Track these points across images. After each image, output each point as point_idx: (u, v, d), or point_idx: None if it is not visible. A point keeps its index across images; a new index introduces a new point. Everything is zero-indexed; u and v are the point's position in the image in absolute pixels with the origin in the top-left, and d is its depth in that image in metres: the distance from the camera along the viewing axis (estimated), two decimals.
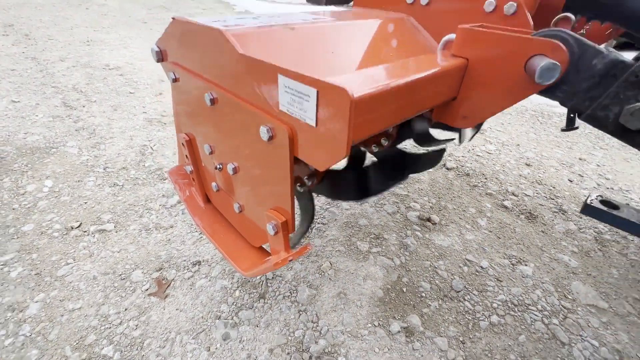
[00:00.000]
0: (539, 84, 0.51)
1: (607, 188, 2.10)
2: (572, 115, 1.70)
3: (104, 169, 1.98)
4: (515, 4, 0.69)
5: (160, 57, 0.81)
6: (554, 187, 2.07)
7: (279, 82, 0.49)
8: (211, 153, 0.79)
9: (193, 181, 0.95)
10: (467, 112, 0.64)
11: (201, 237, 1.53)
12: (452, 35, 0.64)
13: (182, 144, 0.87)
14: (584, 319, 1.28)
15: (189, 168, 0.91)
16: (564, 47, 0.52)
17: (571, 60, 0.53)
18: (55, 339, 1.12)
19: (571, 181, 2.15)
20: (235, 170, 0.72)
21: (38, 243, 1.48)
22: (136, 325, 1.17)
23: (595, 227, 1.75)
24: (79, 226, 1.57)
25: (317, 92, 0.45)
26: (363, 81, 0.48)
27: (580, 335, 1.22)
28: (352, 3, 1.02)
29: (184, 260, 1.41)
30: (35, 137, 2.26)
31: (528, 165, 2.30)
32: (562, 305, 1.33)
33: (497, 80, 0.58)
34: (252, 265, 0.75)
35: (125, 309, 1.22)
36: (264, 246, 0.85)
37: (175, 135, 0.96)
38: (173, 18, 0.70)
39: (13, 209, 1.66)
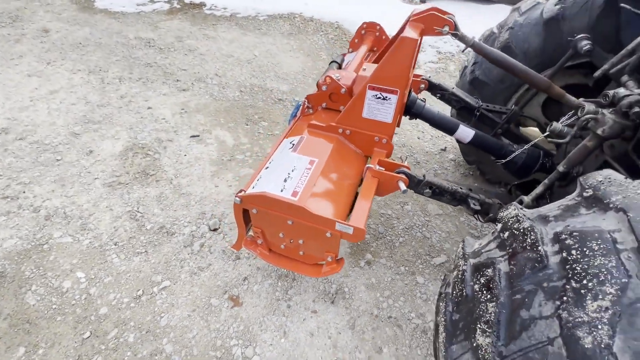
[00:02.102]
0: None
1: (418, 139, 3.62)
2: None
3: (116, 244, 2.42)
4: (385, 138, 1.74)
5: (242, 203, 1.57)
6: (411, 146, 3.48)
7: (336, 223, 1.43)
8: (285, 236, 1.66)
9: (260, 245, 1.80)
10: (382, 194, 1.71)
11: (235, 264, 2.35)
12: (371, 165, 1.65)
13: (258, 234, 1.70)
14: (434, 223, 2.74)
15: (260, 241, 1.76)
16: (406, 177, 1.61)
17: (409, 180, 1.63)
18: (199, 352, 1.93)
19: (419, 138, 3.60)
20: (304, 241, 1.64)
21: (124, 315, 2.07)
22: (238, 325, 2.06)
23: (434, 169, 3.24)
24: (143, 293, 2.18)
25: (353, 228, 1.42)
26: (360, 216, 1.47)
27: (408, 231, 2.67)
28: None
29: (236, 280, 2.26)
30: (11, 241, 2.39)
31: (395, 134, 3.63)
32: (424, 219, 2.76)
33: (388, 187, 1.65)
34: (315, 273, 1.74)
35: (225, 321, 2.07)
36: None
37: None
38: (261, 194, 1.47)
39: (73, 305, 2.11)
